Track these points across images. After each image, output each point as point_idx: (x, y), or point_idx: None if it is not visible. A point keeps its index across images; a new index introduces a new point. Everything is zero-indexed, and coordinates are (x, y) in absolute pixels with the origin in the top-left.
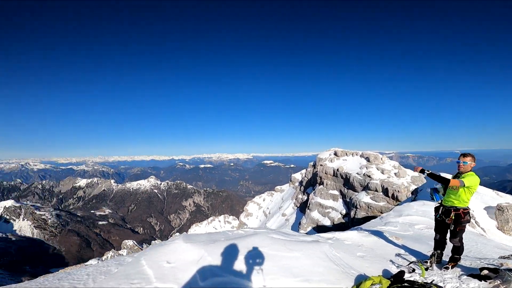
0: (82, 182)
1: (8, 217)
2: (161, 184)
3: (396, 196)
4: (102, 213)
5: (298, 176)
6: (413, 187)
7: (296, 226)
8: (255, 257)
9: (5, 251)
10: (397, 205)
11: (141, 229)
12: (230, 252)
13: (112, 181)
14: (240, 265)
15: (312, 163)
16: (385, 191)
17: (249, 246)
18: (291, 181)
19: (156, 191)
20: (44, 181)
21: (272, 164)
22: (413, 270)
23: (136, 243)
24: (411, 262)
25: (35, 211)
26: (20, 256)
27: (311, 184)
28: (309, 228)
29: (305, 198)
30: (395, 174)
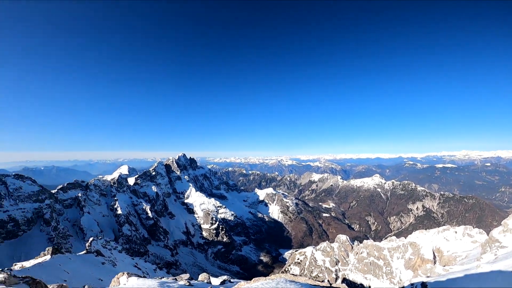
0: (315, 177)
1: (267, 201)
2: (385, 183)
3: None
4: (327, 206)
5: None
6: None
7: None
8: None
9: (259, 229)
10: None
11: (357, 226)
12: None
13: (339, 177)
14: None
15: None
16: None
17: None
18: None
19: (379, 190)
20: (291, 175)
21: None
22: None
23: (348, 239)
24: None
25: (283, 199)
26: (266, 234)
27: None
28: None
29: None
30: None
